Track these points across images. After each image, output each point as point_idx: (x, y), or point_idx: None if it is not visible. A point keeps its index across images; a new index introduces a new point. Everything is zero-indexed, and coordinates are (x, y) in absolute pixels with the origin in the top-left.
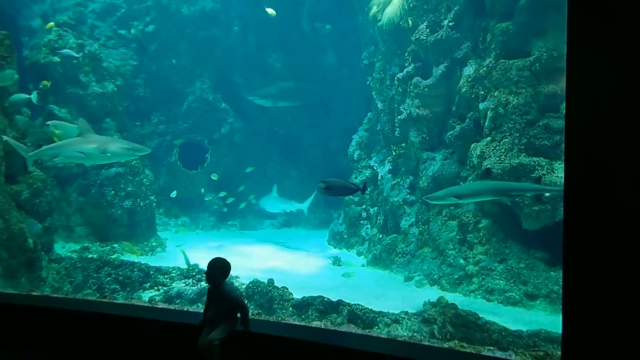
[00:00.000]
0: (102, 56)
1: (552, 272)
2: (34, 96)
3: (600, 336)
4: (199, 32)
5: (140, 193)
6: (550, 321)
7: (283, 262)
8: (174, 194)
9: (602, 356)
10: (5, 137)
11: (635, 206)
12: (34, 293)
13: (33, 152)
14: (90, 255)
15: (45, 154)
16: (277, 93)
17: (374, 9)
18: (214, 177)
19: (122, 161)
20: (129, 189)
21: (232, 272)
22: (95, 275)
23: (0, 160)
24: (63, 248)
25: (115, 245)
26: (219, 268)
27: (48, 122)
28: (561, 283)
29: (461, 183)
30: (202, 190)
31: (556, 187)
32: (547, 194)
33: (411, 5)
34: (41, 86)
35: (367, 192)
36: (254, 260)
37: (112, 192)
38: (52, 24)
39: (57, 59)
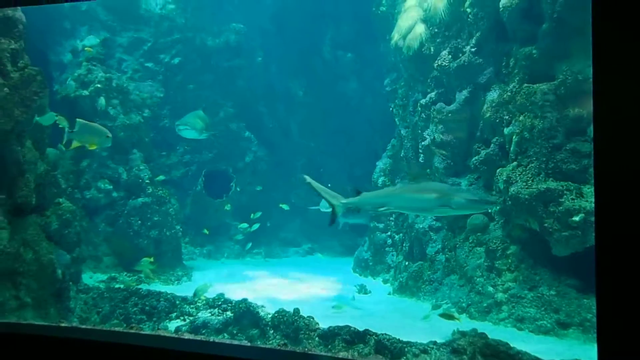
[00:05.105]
0: (130, 89)
1: (584, 300)
2: None
3: None
4: (222, 62)
5: (167, 223)
6: (584, 350)
7: (308, 290)
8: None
9: None
10: (308, 179)
11: None
12: (62, 324)
13: (347, 200)
14: (117, 285)
15: (367, 202)
16: (201, 123)
17: (396, 37)
18: (228, 207)
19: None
20: (155, 218)
21: (258, 302)
22: (122, 305)
23: (31, 192)
24: (91, 278)
25: (142, 275)
26: None
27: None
28: (594, 311)
29: None
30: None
31: None
32: None
33: (433, 32)
34: (56, 119)
35: (391, 219)
36: (279, 289)
37: (139, 222)
38: (90, 48)
39: (86, 92)
